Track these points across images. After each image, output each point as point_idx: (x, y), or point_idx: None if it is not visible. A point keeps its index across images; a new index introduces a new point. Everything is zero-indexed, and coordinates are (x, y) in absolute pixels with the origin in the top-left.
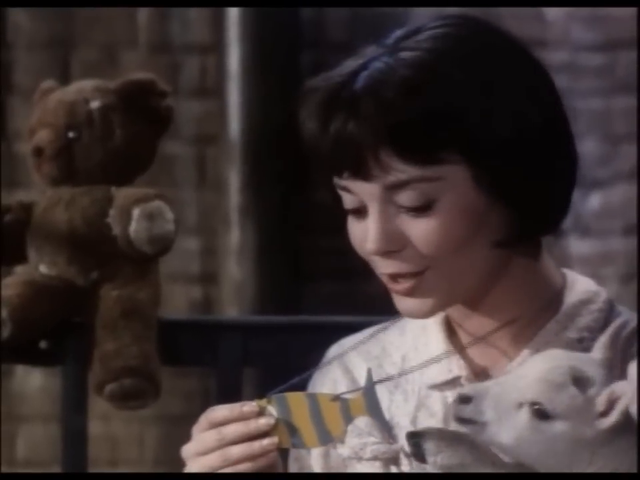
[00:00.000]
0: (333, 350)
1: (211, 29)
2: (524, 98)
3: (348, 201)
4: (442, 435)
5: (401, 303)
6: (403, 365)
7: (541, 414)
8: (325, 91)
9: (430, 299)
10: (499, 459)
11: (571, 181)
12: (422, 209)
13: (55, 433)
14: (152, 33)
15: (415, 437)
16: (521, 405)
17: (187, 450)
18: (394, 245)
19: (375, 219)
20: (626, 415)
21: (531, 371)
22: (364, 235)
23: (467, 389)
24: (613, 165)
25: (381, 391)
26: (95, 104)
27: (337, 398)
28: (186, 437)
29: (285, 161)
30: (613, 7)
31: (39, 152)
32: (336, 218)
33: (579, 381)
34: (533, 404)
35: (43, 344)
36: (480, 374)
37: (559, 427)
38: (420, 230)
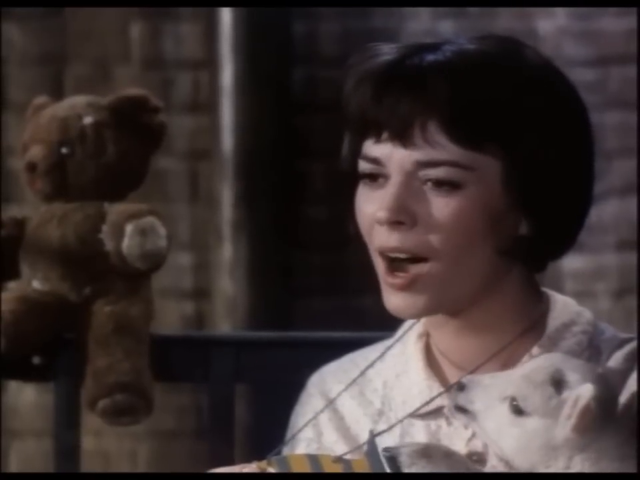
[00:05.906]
0: (314, 379)
1: (203, 45)
2: (567, 111)
3: (367, 167)
4: (415, 447)
5: (392, 299)
6: (384, 391)
7: (517, 409)
8: (388, 58)
9: (423, 296)
10: (473, 466)
11: (587, 211)
12: (446, 188)
13: (48, 448)
14: (145, 48)
15: (390, 452)
16: (503, 399)
17: None
18: (406, 216)
19: (395, 187)
20: (589, 418)
21: (521, 369)
22: (374, 204)
23: (465, 378)
24: (606, 180)
25: (365, 420)
26: (87, 120)
27: (339, 459)
28: (178, 453)
29: (278, 176)
30: (612, 6)
31: (32, 168)
32: (328, 234)
33: (558, 382)
34: (512, 399)
35: (35, 359)
36: None
37: (532, 423)
38: (437, 209)
